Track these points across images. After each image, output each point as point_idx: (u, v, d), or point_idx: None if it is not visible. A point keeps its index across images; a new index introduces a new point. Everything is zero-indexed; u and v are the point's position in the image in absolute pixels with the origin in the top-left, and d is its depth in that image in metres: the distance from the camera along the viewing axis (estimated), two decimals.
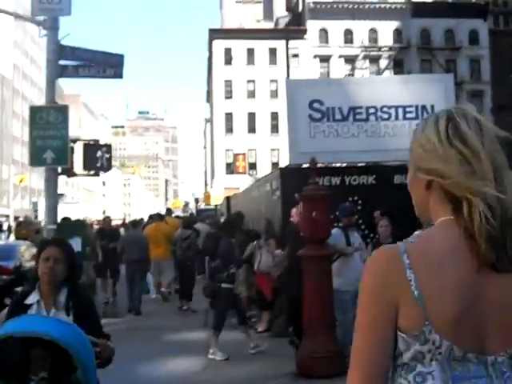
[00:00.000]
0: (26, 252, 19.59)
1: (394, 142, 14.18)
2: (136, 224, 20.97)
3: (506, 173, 2.00)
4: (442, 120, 2.06)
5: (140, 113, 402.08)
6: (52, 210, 13.28)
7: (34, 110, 13.76)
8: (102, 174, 14.18)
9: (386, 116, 14.86)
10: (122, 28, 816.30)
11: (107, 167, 13.57)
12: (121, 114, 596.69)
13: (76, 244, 12.91)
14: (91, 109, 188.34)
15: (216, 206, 49.67)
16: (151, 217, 22.18)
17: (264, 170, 71.42)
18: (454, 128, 2.02)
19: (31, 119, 13.47)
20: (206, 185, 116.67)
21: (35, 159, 13.37)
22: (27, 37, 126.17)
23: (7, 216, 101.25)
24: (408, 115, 14.84)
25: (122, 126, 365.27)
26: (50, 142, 13.14)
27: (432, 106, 14.59)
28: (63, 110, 13.51)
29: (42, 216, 72.30)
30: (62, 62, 13.77)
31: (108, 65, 13.86)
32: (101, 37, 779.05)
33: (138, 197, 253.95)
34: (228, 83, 78.35)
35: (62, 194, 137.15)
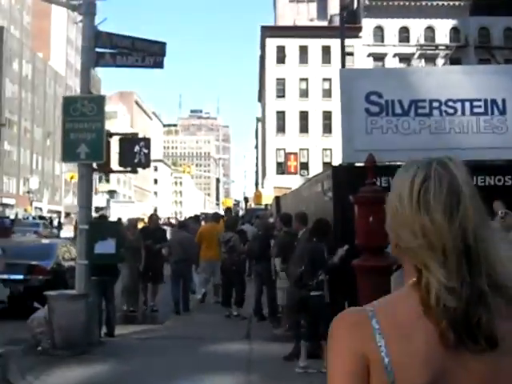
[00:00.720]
0: (66, 252, 18.75)
1: (461, 140, 12.75)
2: (183, 225, 21.07)
3: (485, 232, 1.86)
4: (417, 179, 1.89)
5: (193, 111, 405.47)
6: (85, 208, 12.26)
7: (68, 101, 12.70)
8: (139, 170, 13.06)
9: (451, 111, 13.31)
10: (174, 25, 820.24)
11: (145, 163, 12.46)
12: (173, 112, 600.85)
13: (109, 245, 11.91)
14: (144, 107, 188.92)
15: (266, 205, 48.76)
16: (206, 216, 21.31)
17: (316, 170, 70.72)
18: (424, 192, 1.86)
19: (64, 111, 12.45)
20: (256, 184, 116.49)
21: (68, 154, 12.34)
22: (80, 34, 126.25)
23: (59, 212, 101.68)
24: (476, 110, 13.33)
25: (175, 125, 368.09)
26: (84, 135, 12.09)
27: (503, 101, 13.16)
28: (99, 101, 12.44)
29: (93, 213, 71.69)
30: (98, 50, 12.74)
31: (148, 53, 12.73)
32: (148, 34, 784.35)
33: (189, 195, 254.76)
34: (280, 82, 77.69)
35: (114, 191, 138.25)
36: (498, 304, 1.82)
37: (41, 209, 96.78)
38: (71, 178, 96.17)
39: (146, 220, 24.21)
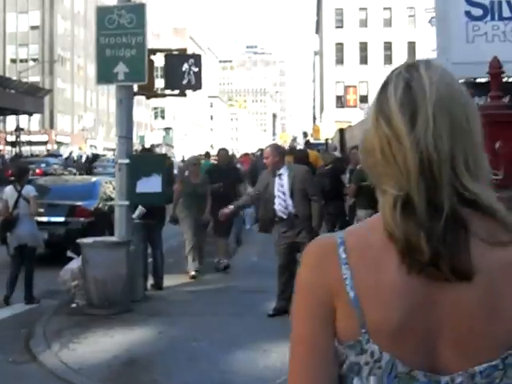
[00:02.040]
0: (112, 190, 16.89)
1: None
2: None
3: (458, 147, 1.61)
4: (380, 87, 1.71)
5: (248, 47, 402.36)
6: (124, 139, 10.20)
7: (102, 12, 10.50)
8: (189, 93, 10.97)
9: None
10: None
11: (196, 84, 10.28)
12: (229, 48, 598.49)
13: (154, 183, 9.86)
14: (198, 43, 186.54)
15: (326, 140, 46.89)
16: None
17: None
18: (382, 98, 1.66)
19: (98, 24, 10.33)
20: (314, 119, 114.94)
21: (103, 75, 10.24)
22: None
23: (114, 150, 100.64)
24: None
25: (230, 61, 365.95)
26: (123, 52, 9.97)
27: None
28: (139, 11, 10.22)
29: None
30: None
31: None
32: None
33: (245, 131, 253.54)
34: (339, 11, 75.75)
35: (169, 128, 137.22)
36: (487, 228, 1.60)
37: (95, 146, 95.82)
38: None
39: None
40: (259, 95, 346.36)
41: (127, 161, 10.03)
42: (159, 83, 11.31)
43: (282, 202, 9.60)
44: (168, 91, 10.76)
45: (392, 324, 1.61)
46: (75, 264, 10.25)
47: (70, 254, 10.85)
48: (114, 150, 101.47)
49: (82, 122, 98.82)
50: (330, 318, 1.67)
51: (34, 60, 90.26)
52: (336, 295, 1.65)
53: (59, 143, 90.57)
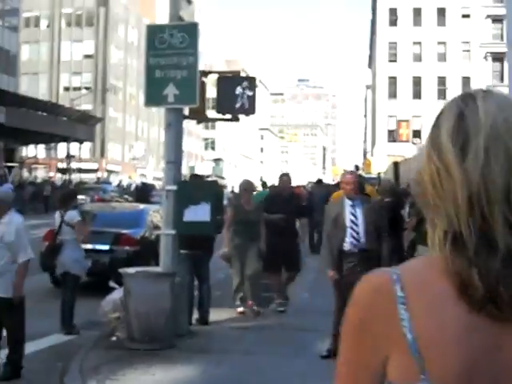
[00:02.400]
0: (155, 218, 16.40)
1: None
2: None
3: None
4: (440, 115, 1.61)
5: (299, 80, 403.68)
6: (173, 164, 9.64)
7: (152, 31, 9.97)
8: (240, 124, 10.37)
9: None
10: None
11: (249, 108, 9.69)
12: (281, 81, 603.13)
13: (203, 212, 9.24)
14: (251, 75, 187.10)
15: (379, 173, 46.33)
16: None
17: None
18: (437, 130, 1.57)
19: (148, 43, 9.82)
20: (364, 153, 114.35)
21: (152, 97, 9.72)
22: None
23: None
24: None
25: (282, 94, 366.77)
26: (173, 73, 9.47)
27: None
28: (191, 30, 9.71)
29: None
30: None
31: None
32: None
33: (295, 164, 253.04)
34: (392, 45, 75.68)
35: (219, 159, 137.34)
36: None
37: (145, 176, 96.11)
38: None
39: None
40: (310, 129, 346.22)
41: (175, 187, 9.47)
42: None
43: (355, 234, 8.82)
44: (220, 115, 10.26)
45: (454, 372, 1.48)
46: (117, 295, 9.68)
47: (112, 284, 10.29)
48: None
49: (133, 151, 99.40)
50: (381, 363, 1.55)
51: (87, 88, 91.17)
52: (391, 338, 1.52)
53: (109, 171, 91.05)
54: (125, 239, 14.78)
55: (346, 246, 8.83)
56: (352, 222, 8.77)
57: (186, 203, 9.29)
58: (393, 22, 75.18)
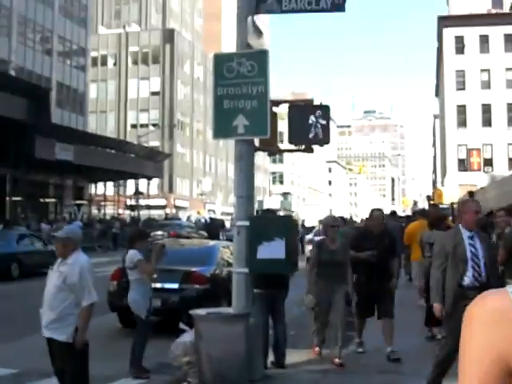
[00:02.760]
0: (230, 256, 15.88)
1: None
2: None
3: None
4: None
5: (366, 112, 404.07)
6: (245, 198, 9.11)
7: (220, 60, 9.45)
8: (307, 157, 9.71)
9: None
10: (342, 21, 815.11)
11: (324, 138, 9.10)
12: (347, 113, 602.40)
13: (277, 248, 8.63)
14: (293, 148, 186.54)
15: (452, 203, 45.25)
16: (414, 213, 19.11)
17: (501, 166, 66.84)
18: None
19: (216, 72, 9.30)
20: (434, 183, 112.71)
21: (221, 128, 9.20)
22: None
23: (232, 214, 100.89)
24: None
25: (348, 126, 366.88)
26: (243, 103, 8.96)
27: None
28: (261, 58, 9.14)
29: None
30: None
31: None
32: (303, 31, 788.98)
33: (364, 196, 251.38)
34: (460, 73, 74.89)
35: (288, 193, 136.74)
36: None
37: (214, 211, 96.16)
38: None
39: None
40: (378, 160, 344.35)
41: (247, 223, 8.94)
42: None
43: (477, 267, 8.02)
44: (292, 146, 9.71)
45: None
46: (188, 337, 9.12)
47: (182, 326, 9.66)
48: (231, 214, 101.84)
49: (201, 186, 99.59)
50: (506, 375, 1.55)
51: (154, 125, 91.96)
52: None
53: (178, 207, 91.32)
54: (195, 277, 14.24)
55: (467, 281, 8.02)
56: (473, 254, 8.00)
57: (259, 239, 8.73)
58: (459, 50, 74.35)
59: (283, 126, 9.51)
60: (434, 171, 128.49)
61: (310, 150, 9.40)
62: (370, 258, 10.94)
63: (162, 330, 12.80)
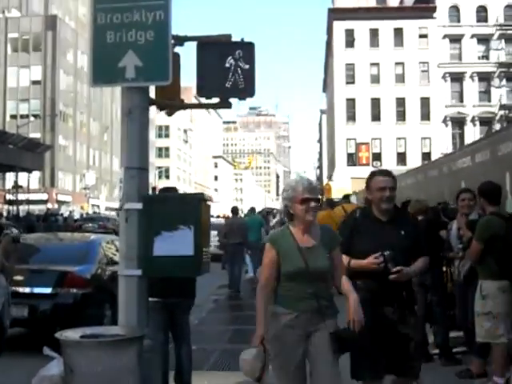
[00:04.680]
0: (113, 251, 13.21)
1: None
2: (235, 211, 23.14)
3: None
4: None
5: (251, 108, 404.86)
6: (136, 170, 6.28)
7: None
8: (238, 103, 7.22)
9: None
10: (227, 12, 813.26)
11: (247, 88, 6.42)
12: (232, 109, 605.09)
13: (183, 242, 5.85)
14: (203, 102, 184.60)
15: (347, 196, 43.82)
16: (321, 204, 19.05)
17: (389, 160, 66.53)
18: None
19: None
20: (318, 178, 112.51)
21: (103, 71, 6.29)
22: None
23: (117, 209, 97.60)
24: None
25: (234, 122, 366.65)
26: (133, 35, 6.21)
27: None
28: None
29: None
30: None
31: None
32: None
33: (249, 192, 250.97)
34: (350, 67, 74.77)
35: (173, 188, 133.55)
36: None
37: (98, 206, 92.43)
38: None
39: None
40: (263, 156, 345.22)
41: (139, 205, 6.28)
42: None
43: None
44: (202, 100, 7.02)
45: None
46: (55, 369, 6.31)
47: (47, 351, 6.60)
48: (117, 209, 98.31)
49: (84, 180, 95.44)
50: None
51: (35, 116, 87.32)
52: None
53: (60, 202, 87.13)
54: (71, 279, 11.36)
55: None
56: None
57: (156, 229, 6.04)
58: (349, 44, 73.95)
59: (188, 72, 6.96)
60: (320, 166, 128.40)
61: (227, 105, 6.70)
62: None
63: (30, 348, 10.00)
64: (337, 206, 19.07)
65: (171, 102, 6.78)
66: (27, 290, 11.36)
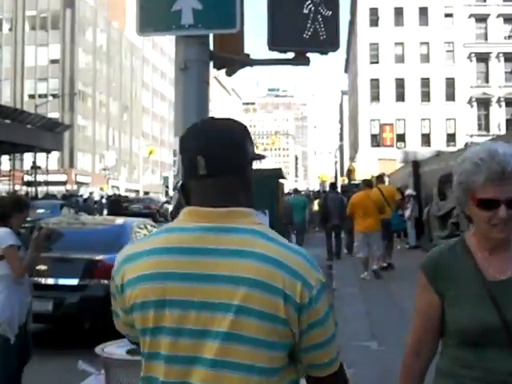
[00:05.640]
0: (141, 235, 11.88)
1: None
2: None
3: None
4: None
5: (270, 90, 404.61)
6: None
7: None
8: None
9: None
10: None
11: (330, 40, 4.81)
12: (251, 91, 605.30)
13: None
14: (223, 83, 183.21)
15: (368, 180, 42.78)
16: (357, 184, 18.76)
17: (414, 141, 65.44)
18: None
19: None
20: (338, 161, 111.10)
21: (152, 17, 4.88)
22: None
23: (137, 191, 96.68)
24: None
25: (253, 103, 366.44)
26: None
27: None
28: None
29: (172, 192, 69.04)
30: None
31: None
32: None
33: None
34: (374, 47, 73.89)
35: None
36: None
37: (118, 187, 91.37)
38: (150, 152, 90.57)
39: None
40: (282, 137, 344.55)
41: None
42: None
43: None
44: (274, 54, 5.55)
45: None
46: None
47: (83, 366, 5.33)
48: (137, 191, 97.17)
49: (104, 161, 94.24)
50: None
51: (54, 96, 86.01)
52: None
53: (79, 183, 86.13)
54: (101, 268, 10.04)
55: None
56: None
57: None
58: (374, 23, 72.84)
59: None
60: (341, 148, 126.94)
61: (305, 62, 5.29)
62: None
63: (57, 345, 8.77)
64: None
65: (234, 55, 5.39)
66: (51, 281, 10.13)
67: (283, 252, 2.11)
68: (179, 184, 2.41)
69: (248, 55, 5.48)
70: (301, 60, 5.39)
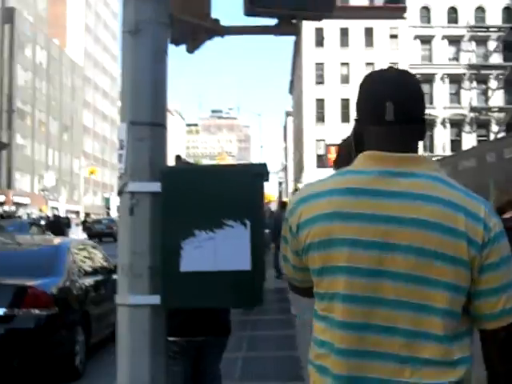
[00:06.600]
0: (85, 259, 10.64)
1: None
2: (284, 206, 21.55)
3: None
4: None
5: (213, 111, 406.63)
6: (149, 129, 3.42)
7: None
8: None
9: None
10: None
11: (324, 1, 3.92)
12: (194, 112, 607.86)
13: (236, 251, 3.26)
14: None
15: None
16: None
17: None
18: None
19: None
20: (280, 184, 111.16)
21: None
22: (100, 22, 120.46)
23: (77, 212, 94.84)
24: None
25: (196, 125, 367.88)
26: None
27: None
28: None
29: (114, 213, 68.75)
30: None
31: None
32: None
33: None
34: (319, 67, 74.23)
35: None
36: None
37: (57, 208, 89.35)
38: (91, 172, 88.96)
39: None
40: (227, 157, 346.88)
41: (154, 187, 3.52)
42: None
43: None
44: (254, 20, 4.27)
45: None
46: None
47: None
48: (77, 212, 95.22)
49: (43, 181, 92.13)
50: None
51: None
52: None
53: (17, 204, 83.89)
54: (32, 296, 8.70)
55: None
56: None
57: (185, 226, 3.36)
58: (319, 43, 73.57)
59: None
60: (285, 169, 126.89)
61: (291, 30, 4.01)
62: None
63: None
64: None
65: (200, 21, 4.11)
66: None
67: (464, 198, 2.15)
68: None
69: (217, 21, 4.18)
70: (286, 28, 4.14)
